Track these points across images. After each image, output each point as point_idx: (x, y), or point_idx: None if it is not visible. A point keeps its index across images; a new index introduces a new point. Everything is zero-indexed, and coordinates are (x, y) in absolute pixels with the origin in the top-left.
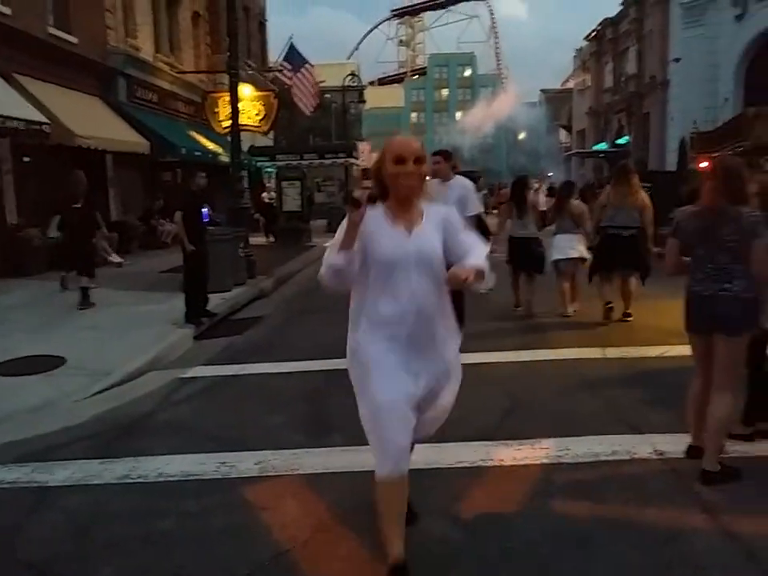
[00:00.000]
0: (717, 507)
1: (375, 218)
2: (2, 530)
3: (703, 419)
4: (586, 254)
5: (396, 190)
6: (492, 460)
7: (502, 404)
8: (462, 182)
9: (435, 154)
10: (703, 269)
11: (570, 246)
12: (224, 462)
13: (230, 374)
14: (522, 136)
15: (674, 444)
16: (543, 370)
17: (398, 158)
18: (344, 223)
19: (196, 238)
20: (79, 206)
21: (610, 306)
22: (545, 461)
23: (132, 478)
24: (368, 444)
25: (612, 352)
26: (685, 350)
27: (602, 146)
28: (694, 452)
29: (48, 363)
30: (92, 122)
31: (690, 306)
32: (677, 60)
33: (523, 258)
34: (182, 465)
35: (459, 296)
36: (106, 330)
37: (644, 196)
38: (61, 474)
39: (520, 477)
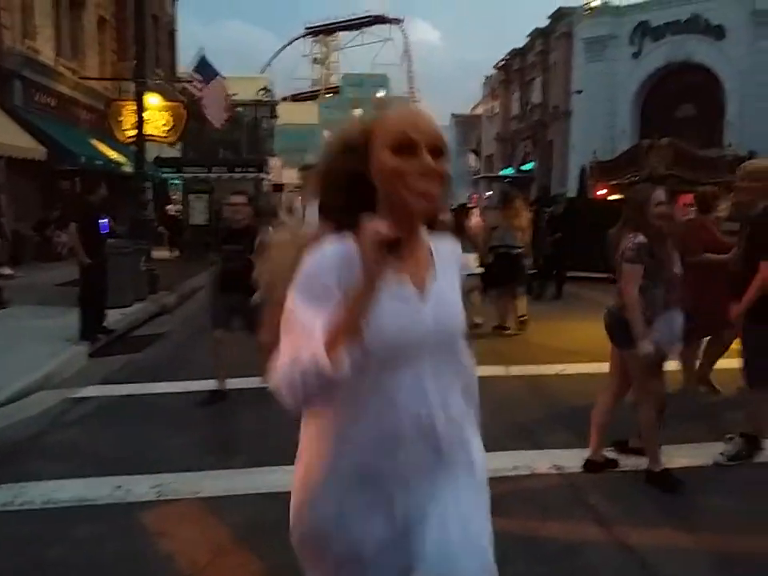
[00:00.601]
0: (612, 520)
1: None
2: None
3: (603, 433)
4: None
5: (401, 205)
6: None
7: None
8: None
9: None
10: None
11: (470, 263)
12: (119, 486)
13: (128, 393)
14: None
15: (572, 459)
16: None
17: (405, 144)
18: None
19: (93, 250)
20: None
21: (502, 326)
22: None
23: (16, 505)
24: (271, 465)
25: (514, 370)
26: (581, 368)
27: (509, 171)
28: (590, 466)
29: None
30: None
31: None
32: (579, 92)
33: None
34: (73, 490)
35: None
36: None
37: (526, 219)
38: None
39: None
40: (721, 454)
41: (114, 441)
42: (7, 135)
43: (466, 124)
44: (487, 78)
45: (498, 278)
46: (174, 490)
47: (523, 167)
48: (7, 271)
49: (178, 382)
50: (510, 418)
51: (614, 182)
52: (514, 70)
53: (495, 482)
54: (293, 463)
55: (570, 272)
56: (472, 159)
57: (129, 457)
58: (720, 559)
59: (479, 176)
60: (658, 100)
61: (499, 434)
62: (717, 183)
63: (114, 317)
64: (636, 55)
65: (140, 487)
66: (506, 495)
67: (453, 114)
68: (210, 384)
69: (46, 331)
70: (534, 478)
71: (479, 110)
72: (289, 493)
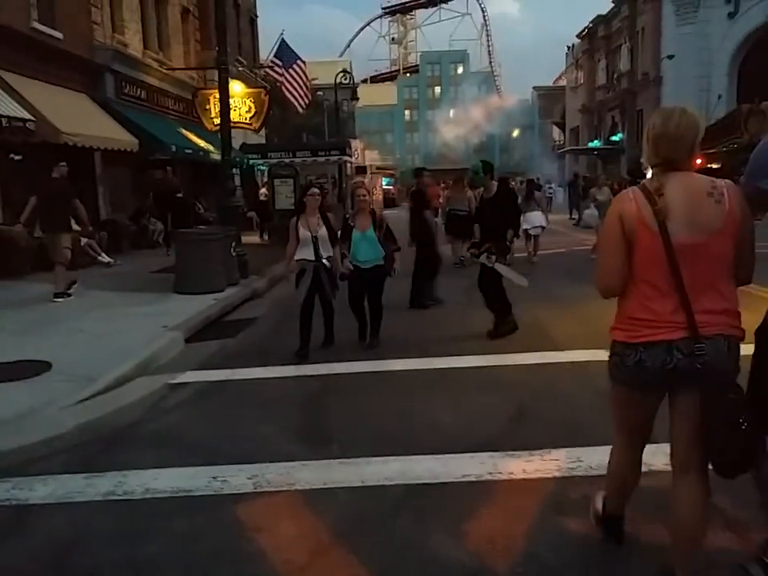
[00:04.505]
0: (742, 525)
1: None
2: None
3: None
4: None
5: None
6: (500, 473)
7: (507, 411)
8: None
9: None
10: None
11: (539, 221)
12: (216, 477)
13: (222, 378)
14: (515, 134)
15: None
16: (550, 374)
17: None
18: None
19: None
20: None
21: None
22: (556, 473)
23: (117, 495)
24: (366, 456)
25: None
26: None
27: (596, 144)
28: None
29: (33, 368)
30: (78, 118)
31: None
32: (670, 57)
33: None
34: (170, 479)
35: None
36: (95, 332)
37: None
38: (42, 490)
39: (530, 491)
40: None
41: (210, 428)
42: (101, 128)
43: (548, 96)
44: (570, 47)
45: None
46: (270, 481)
47: (612, 138)
48: (106, 259)
49: (271, 366)
50: None
51: (711, 151)
52: (598, 38)
53: (579, 481)
54: (387, 455)
55: None
56: (556, 133)
57: (224, 445)
58: None
59: (565, 149)
60: (757, 62)
61: (608, 426)
62: None
63: (207, 302)
64: (732, 15)
65: (236, 478)
66: None
67: (534, 87)
68: (301, 369)
69: (144, 317)
70: (651, 476)
71: (562, 82)
72: (384, 487)
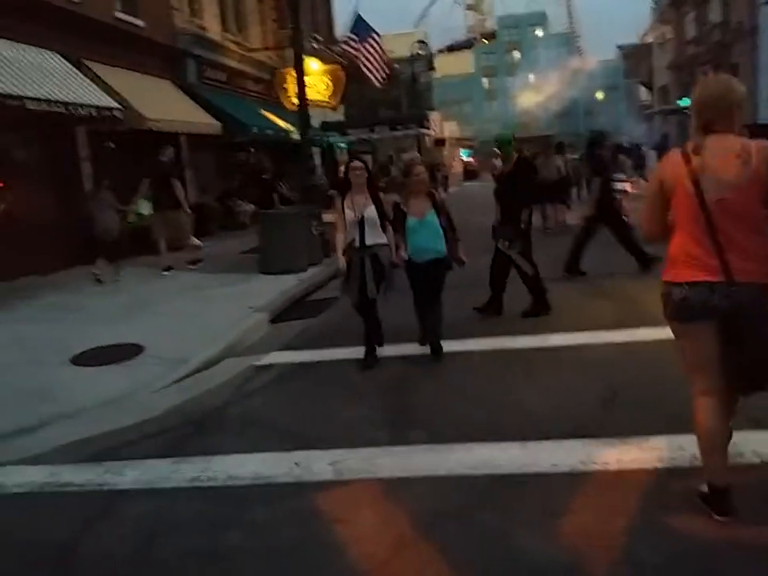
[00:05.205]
0: None
1: None
2: (61, 544)
3: None
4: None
5: None
6: (594, 463)
7: (598, 394)
8: None
9: None
10: None
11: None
12: (297, 463)
13: (306, 360)
14: (599, 96)
15: None
16: (645, 353)
17: None
18: None
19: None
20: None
21: None
22: (657, 464)
23: (202, 481)
24: (450, 442)
25: None
26: None
27: (688, 102)
28: None
29: (126, 352)
30: (163, 104)
31: None
32: (767, 3)
33: None
34: (253, 465)
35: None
36: (184, 314)
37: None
38: (130, 475)
39: (628, 483)
40: None
41: (292, 412)
42: (186, 113)
43: (634, 55)
44: (655, 1)
45: None
46: (351, 468)
47: None
48: (196, 242)
49: (355, 347)
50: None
51: None
52: None
53: (682, 473)
54: (472, 440)
55: None
56: (643, 92)
57: (307, 429)
58: None
59: (654, 110)
60: None
61: (680, 412)
62: None
63: (290, 282)
64: None
65: (317, 465)
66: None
67: (619, 46)
68: (385, 350)
69: (231, 298)
70: (764, 468)
71: (649, 39)
72: (468, 477)
